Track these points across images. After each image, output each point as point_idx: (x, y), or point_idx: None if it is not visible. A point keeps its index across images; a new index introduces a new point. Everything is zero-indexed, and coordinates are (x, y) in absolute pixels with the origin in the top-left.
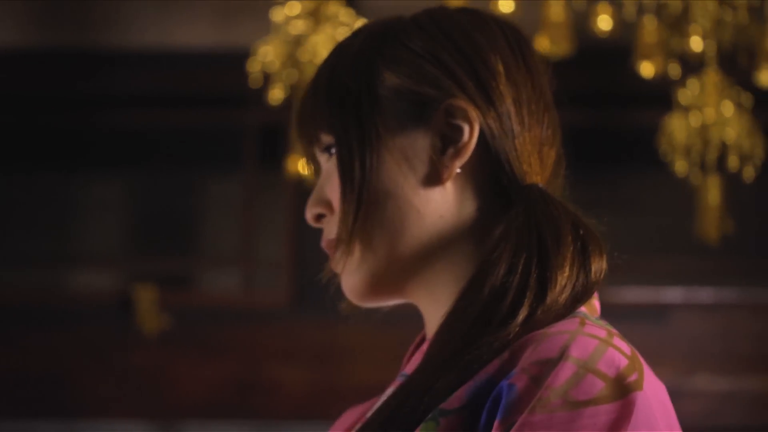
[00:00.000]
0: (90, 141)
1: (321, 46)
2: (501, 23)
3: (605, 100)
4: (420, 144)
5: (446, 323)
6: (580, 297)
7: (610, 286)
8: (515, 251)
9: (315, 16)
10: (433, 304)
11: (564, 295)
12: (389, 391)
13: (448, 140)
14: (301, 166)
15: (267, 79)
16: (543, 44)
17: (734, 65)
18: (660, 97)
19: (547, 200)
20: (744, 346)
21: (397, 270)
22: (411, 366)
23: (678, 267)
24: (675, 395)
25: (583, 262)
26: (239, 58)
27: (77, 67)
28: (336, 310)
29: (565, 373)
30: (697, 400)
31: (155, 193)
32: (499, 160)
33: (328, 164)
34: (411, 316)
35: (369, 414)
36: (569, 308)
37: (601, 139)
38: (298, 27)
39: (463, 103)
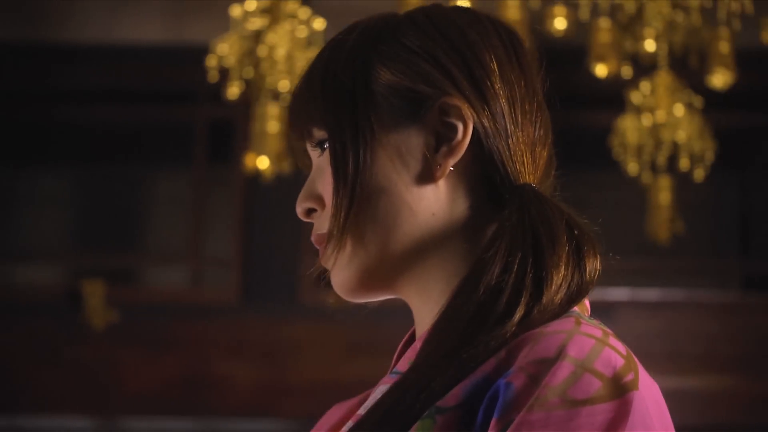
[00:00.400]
0: (39, 135)
1: (279, 42)
2: (495, 22)
3: (557, 99)
4: (414, 141)
5: (441, 321)
6: (574, 297)
7: None
8: (510, 250)
9: (272, 13)
10: (425, 301)
11: (560, 295)
12: (381, 388)
13: (441, 138)
14: (259, 162)
15: (223, 75)
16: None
17: (685, 67)
18: (612, 97)
19: (540, 200)
20: (689, 345)
21: (388, 266)
22: (403, 363)
23: (625, 266)
24: None
25: (578, 262)
26: (190, 54)
27: (27, 62)
28: (283, 307)
29: (562, 372)
30: None
31: (104, 189)
32: (492, 159)
33: (320, 159)
34: (358, 314)
35: (362, 411)
36: (564, 308)
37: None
38: (256, 23)
39: (457, 101)
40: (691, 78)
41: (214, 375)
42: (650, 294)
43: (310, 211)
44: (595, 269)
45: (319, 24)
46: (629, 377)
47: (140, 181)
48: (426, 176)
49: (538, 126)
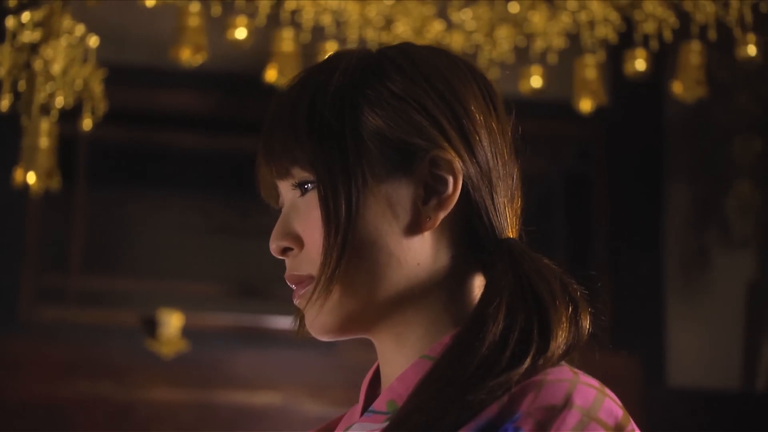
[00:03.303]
0: None
1: (55, 58)
2: (471, 68)
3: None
4: (403, 192)
5: (441, 367)
6: (570, 351)
7: (278, 315)
8: (512, 307)
9: (47, 27)
10: (401, 345)
11: (560, 350)
12: (361, 425)
13: (430, 190)
14: (28, 178)
15: None
16: (271, 75)
17: None
18: None
19: (533, 258)
20: None
21: (371, 313)
22: (380, 403)
23: None
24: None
25: (575, 319)
26: None
27: None
28: (0, 323)
29: (571, 420)
30: None
31: None
32: (478, 212)
33: (299, 199)
34: (77, 330)
35: None
36: (560, 360)
37: None
38: (30, 36)
39: (449, 155)
40: None
41: None
42: None
43: (285, 250)
44: (587, 325)
45: (93, 42)
46: (630, 427)
47: None
48: (414, 227)
49: (515, 176)
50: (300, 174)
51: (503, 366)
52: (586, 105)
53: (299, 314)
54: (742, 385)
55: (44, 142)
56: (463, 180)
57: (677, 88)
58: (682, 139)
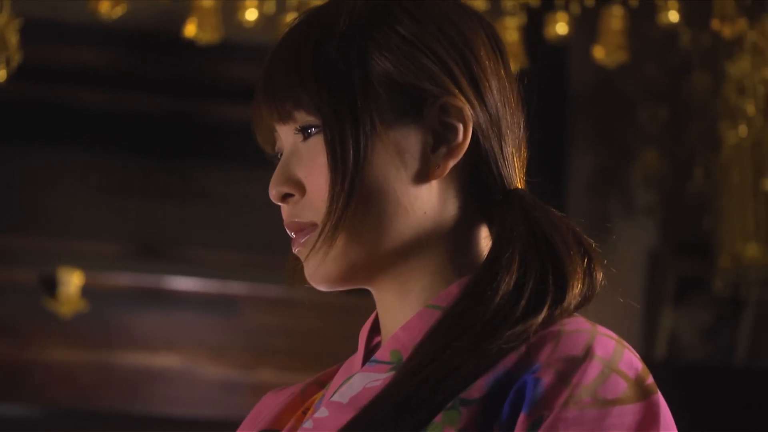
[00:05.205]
0: None
1: None
2: (478, 15)
3: (188, 89)
4: (412, 139)
5: (453, 317)
6: (584, 302)
7: (179, 276)
8: (525, 258)
9: None
10: (404, 296)
11: (576, 300)
12: (363, 375)
13: (439, 137)
14: None
15: None
16: (190, 30)
17: None
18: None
19: (544, 209)
20: (308, 342)
21: (375, 262)
22: (383, 353)
23: (246, 260)
24: (238, 388)
25: (590, 270)
26: None
27: None
28: None
29: (592, 371)
30: (260, 393)
31: None
32: (487, 161)
33: (301, 144)
34: None
35: (341, 399)
36: (575, 311)
37: (177, 127)
38: None
39: (459, 101)
40: None
41: None
42: (271, 290)
43: (286, 196)
44: (600, 277)
45: None
46: (650, 380)
47: None
48: (423, 176)
49: (521, 126)
50: (304, 118)
51: (519, 315)
52: None
53: (293, 263)
54: (641, 353)
55: None
56: (472, 128)
57: (599, 52)
58: (587, 107)
